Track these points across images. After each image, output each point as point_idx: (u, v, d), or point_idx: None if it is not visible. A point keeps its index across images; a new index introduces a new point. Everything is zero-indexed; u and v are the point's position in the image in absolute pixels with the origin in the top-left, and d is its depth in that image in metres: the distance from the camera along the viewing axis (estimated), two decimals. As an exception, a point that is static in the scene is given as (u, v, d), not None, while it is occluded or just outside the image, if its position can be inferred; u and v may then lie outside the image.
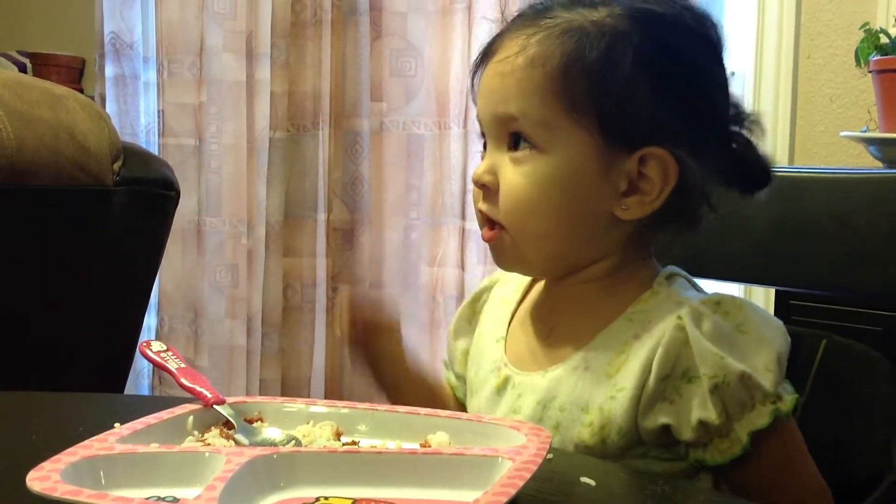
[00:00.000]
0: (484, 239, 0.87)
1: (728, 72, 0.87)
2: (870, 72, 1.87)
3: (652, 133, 0.81)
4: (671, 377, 0.78)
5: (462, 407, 0.97)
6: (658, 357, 0.78)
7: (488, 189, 0.84)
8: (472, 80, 0.87)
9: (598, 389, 0.81)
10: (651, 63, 0.81)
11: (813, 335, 0.97)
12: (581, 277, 0.86)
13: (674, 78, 0.82)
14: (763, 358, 0.78)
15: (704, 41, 0.85)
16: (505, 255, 0.86)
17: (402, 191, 2.46)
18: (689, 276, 0.89)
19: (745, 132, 0.87)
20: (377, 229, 2.48)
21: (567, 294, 0.88)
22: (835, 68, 2.21)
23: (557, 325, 0.87)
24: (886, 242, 0.98)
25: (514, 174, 0.82)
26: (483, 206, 0.85)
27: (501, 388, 0.88)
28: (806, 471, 0.82)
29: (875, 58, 1.83)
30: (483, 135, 0.87)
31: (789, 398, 0.78)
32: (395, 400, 0.96)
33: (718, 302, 0.81)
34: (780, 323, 0.82)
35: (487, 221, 0.85)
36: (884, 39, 1.83)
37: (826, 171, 1.11)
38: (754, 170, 0.87)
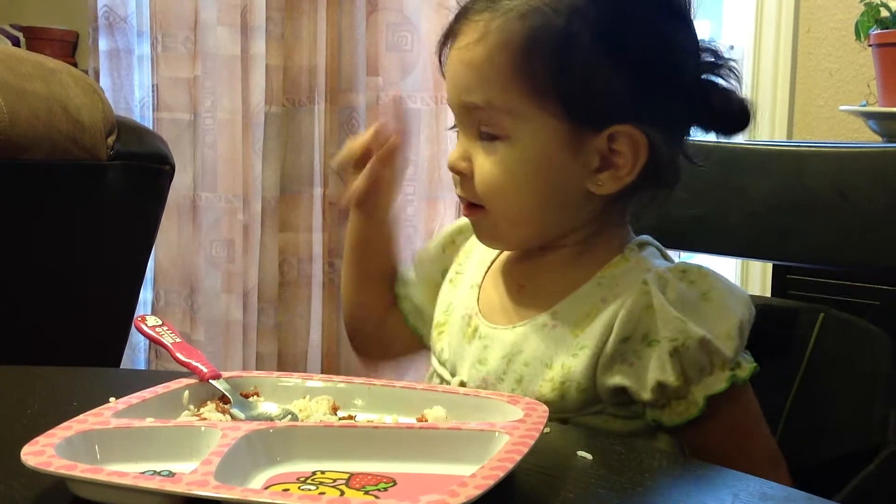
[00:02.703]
0: (466, 217, 0.90)
1: (694, 23, 0.86)
2: (870, 46, 1.86)
3: (618, 111, 0.81)
4: (631, 339, 0.80)
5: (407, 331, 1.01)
6: (620, 319, 0.80)
7: (464, 175, 0.85)
8: (440, 59, 0.87)
9: (563, 347, 0.83)
10: (610, 38, 0.80)
11: (811, 309, 0.97)
12: (556, 244, 0.88)
13: (635, 50, 0.81)
14: (725, 326, 0.80)
15: (664, 4, 0.84)
16: (484, 232, 0.89)
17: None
18: (661, 246, 0.90)
19: (721, 79, 0.87)
20: (373, 204, 2.47)
21: (540, 255, 0.89)
22: (834, 42, 2.20)
23: (527, 283, 0.89)
24: (885, 216, 0.98)
25: (486, 162, 0.83)
26: (460, 191, 0.86)
27: (471, 337, 0.89)
28: (760, 436, 0.84)
29: (875, 32, 1.82)
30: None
31: (748, 366, 0.80)
32: (355, 258, 1.01)
33: (684, 270, 0.83)
34: (744, 293, 0.84)
35: (466, 201, 0.87)
36: (884, 13, 1.82)
37: (825, 145, 1.10)
38: (732, 113, 0.87)
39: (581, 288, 0.85)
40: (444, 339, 0.93)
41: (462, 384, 0.87)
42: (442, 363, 0.92)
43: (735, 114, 0.87)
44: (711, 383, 0.79)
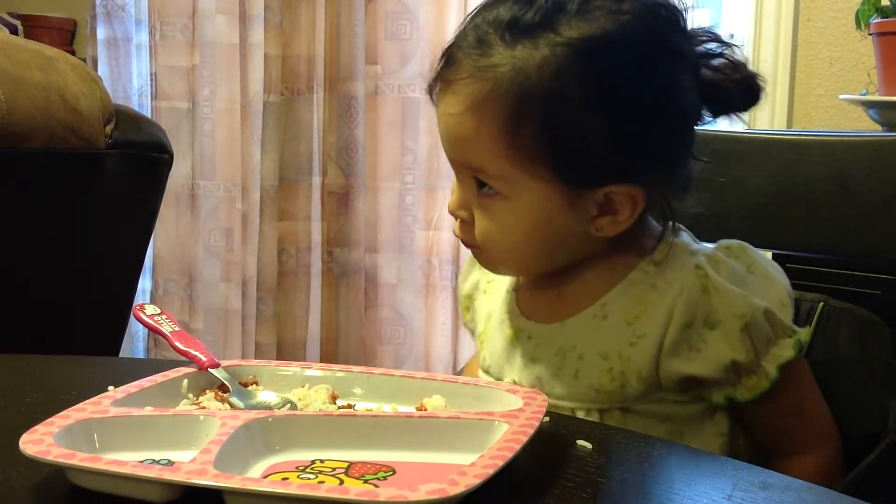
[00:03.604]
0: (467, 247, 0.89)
1: (688, 29, 0.83)
2: (870, 34, 1.86)
3: (613, 172, 0.79)
4: (693, 325, 0.80)
5: None
6: (679, 305, 0.80)
7: (464, 221, 0.84)
8: (431, 96, 0.85)
9: (618, 338, 0.82)
10: (601, 99, 0.77)
11: (810, 298, 0.97)
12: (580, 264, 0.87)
13: (628, 109, 0.78)
14: (777, 293, 0.82)
15: (657, 49, 0.80)
16: (488, 266, 0.89)
17: (398, 154, 2.45)
18: (687, 230, 0.89)
19: (725, 63, 0.84)
20: (372, 193, 2.48)
21: (572, 269, 0.87)
22: (835, 31, 2.19)
23: (567, 285, 0.87)
24: (885, 206, 0.98)
25: (484, 219, 0.82)
26: (460, 234, 0.86)
27: (515, 340, 0.88)
28: (822, 402, 0.86)
29: (875, 20, 1.82)
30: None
31: (804, 330, 0.83)
32: None
33: (728, 247, 0.85)
34: (775, 263, 0.88)
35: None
36: (884, 2, 1.82)
37: (825, 134, 1.10)
38: (740, 95, 0.85)
39: (626, 279, 0.84)
40: (486, 347, 0.92)
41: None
42: (486, 371, 0.91)
43: (743, 89, 0.84)
44: (780, 352, 0.81)
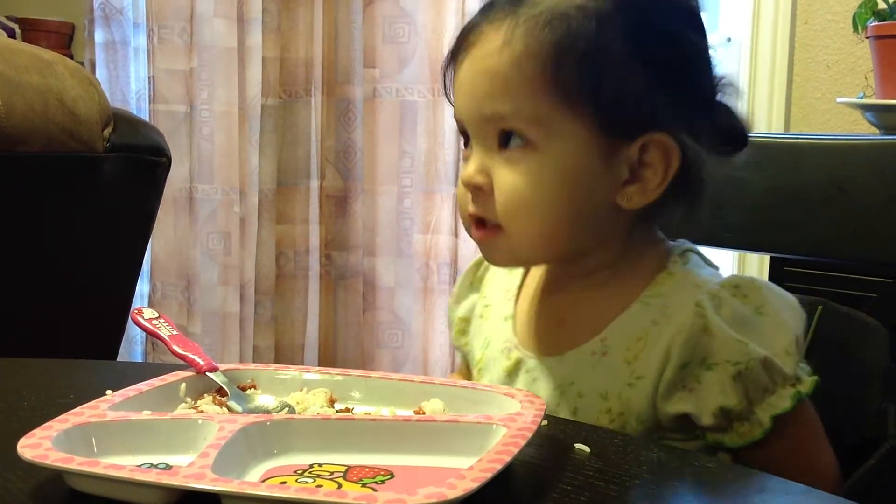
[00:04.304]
0: (474, 238, 0.83)
1: (708, 40, 0.84)
2: (867, 38, 1.86)
3: (651, 119, 0.78)
4: (690, 365, 0.77)
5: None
6: (678, 345, 0.77)
7: (481, 190, 0.80)
8: (445, 75, 0.83)
9: (618, 377, 0.80)
10: (641, 45, 0.77)
11: (808, 302, 0.96)
12: (585, 265, 0.84)
13: (665, 57, 0.79)
14: (783, 341, 0.77)
15: (689, 13, 0.82)
16: (499, 253, 0.83)
17: (396, 158, 2.45)
18: (701, 252, 0.87)
19: (725, 99, 0.85)
20: (370, 196, 2.48)
21: (574, 280, 0.85)
22: (832, 34, 2.19)
23: (567, 315, 0.85)
24: (883, 209, 0.98)
25: (510, 175, 0.78)
26: (475, 208, 0.81)
27: (513, 371, 0.86)
28: (824, 453, 0.81)
29: (872, 23, 1.82)
30: (464, 133, 0.82)
31: (809, 380, 0.78)
32: None
33: (737, 285, 0.80)
34: (796, 302, 0.81)
35: (477, 221, 0.82)
36: (881, 5, 1.82)
37: (822, 137, 1.10)
38: (735, 134, 0.84)
39: (627, 310, 0.81)
40: (484, 376, 0.89)
41: None
42: None
43: (736, 133, 0.84)
44: (776, 402, 0.77)
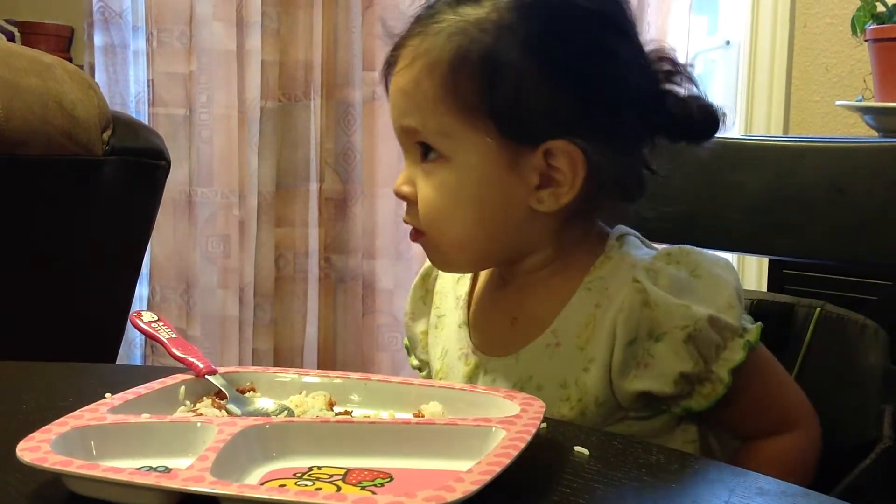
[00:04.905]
0: (412, 241, 0.87)
1: (639, 37, 0.84)
2: (866, 41, 1.86)
3: (551, 126, 0.79)
4: (637, 340, 0.79)
5: None
6: (621, 322, 0.79)
7: (409, 199, 0.84)
8: (386, 87, 0.86)
9: (572, 364, 0.82)
10: (540, 54, 0.78)
11: (807, 304, 0.97)
12: (525, 266, 0.86)
13: (566, 66, 0.79)
14: (723, 297, 0.80)
15: (600, 17, 0.81)
16: (433, 257, 0.87)
17: (395, 161, 2.45)
18: (639, 235, 0.89)
19: (681, 87, 0.84)
20: (369, 199, 2.48)
21: (519, 280, 0.88)
22: (831, 37, 2.20)
23: (518, 314, 0.87)
24: (882, 212, 0.98)
25: (426, 186, 0.82)
26: (406, 217, 0.85)
27: (473, 375, 0.88)
28: (791, 391, 0.85)
29: (871, 26, 1.82)
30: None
31: (753, 328, 0.81)
32: None
33: (668, 253, 0.83)
34: (727, 260, 0.84)
35: (414, 228, 0.86)
36: (880, 8, 1.82)
37: (821, 140, 1.10)
38: (698, 122, 0.84)
39: (572, 299, 0.83)
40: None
41: None
42: None
43: (698, 121, 0.84)
44: (730, 356, 0.79)
